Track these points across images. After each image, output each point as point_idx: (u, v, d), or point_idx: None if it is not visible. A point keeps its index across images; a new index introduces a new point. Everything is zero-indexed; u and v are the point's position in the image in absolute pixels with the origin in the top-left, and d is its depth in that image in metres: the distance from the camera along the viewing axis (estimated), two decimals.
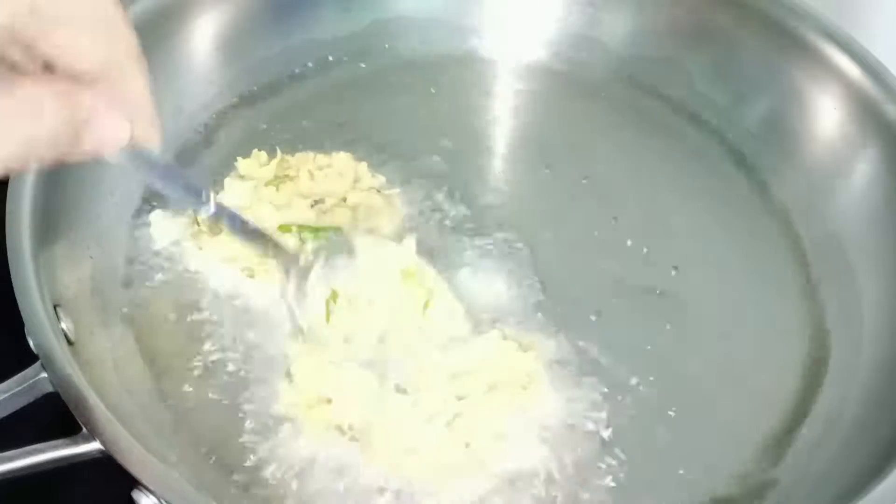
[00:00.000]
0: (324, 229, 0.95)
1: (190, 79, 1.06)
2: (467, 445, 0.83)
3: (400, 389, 0.84)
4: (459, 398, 0.84)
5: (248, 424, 0.84)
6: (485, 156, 1.07)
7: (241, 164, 1.00)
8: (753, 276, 0.99)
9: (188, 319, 0.91)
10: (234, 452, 0.83)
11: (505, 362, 0.87)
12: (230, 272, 0.93)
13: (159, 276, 0.94)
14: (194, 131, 1.05)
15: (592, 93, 1.14)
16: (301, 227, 0.95)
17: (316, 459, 0.82)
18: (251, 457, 0.83)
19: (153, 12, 1.01)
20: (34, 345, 0.76)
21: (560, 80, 1.15)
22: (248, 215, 0.94)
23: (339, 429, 0.83)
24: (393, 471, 0.82)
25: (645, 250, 1.00)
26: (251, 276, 0.93)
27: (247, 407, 0.85)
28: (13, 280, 0.79)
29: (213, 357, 0.88)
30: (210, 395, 0.86)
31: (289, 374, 0.85)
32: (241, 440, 0.84)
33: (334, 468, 0.82)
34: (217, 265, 0.93)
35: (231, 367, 0.88)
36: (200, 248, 0.94)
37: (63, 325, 0.80)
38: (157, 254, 0.95)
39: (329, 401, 0.83)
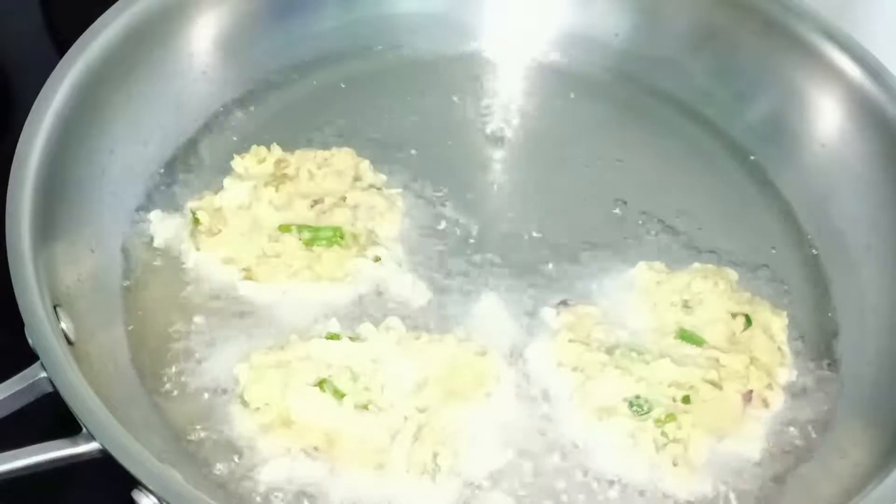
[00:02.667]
0: (323, 229, 0.95)
1: (189, 77, 1.06)
2: (435, 455, 0.83)
3: (359, 406, 0.84)
4: (421, 410, 0.84)
5: (219, 438, 0.84)
6: (485, 155, 1.07)
7: (237, 161, 1.00)
8: (758, 271, 1.00)
9: (182, 321, 0.91)
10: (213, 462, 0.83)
11: (464, 367, 0.87)
12: (228, 272, 0.93)
13: (158, 276, 0.93)
14: (194, 129, 1.05)
15: (594, 92, 1.14)
16: (301, 227, 0.95)
17: (285, 479, 0.82)
18: (223, 474, 0.83)
19: (153, 12, 1.01)
20: (34, 345, 0.76)
21: (561, 79, 1.15)
22: (247, 215, 0.95)
23: (304, 451, 0.82)
24: (363, 489, 0.82)
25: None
26: (249, 278, 0.93)
27: (216, 422, 0.85)
28: (13, 280, 0.79)
29: (202, 363, 0.88)
30: (193, 403, 0.86)
31: (243, 401, 0.85)
32: (217, 454, 0.84)
33: (303, 488, 0.82)
34: (215, 265, 0.93)
35: (216, 376, 0.88)
36: (198, 249, 0.94)
37: (63, 325, 0.80)
38: (156, 253, 0.95)
39: (290, 424, 0.83)
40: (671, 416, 0.85)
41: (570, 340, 0.90)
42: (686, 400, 0.86)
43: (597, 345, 0.90)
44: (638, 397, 0.86)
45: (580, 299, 0.95)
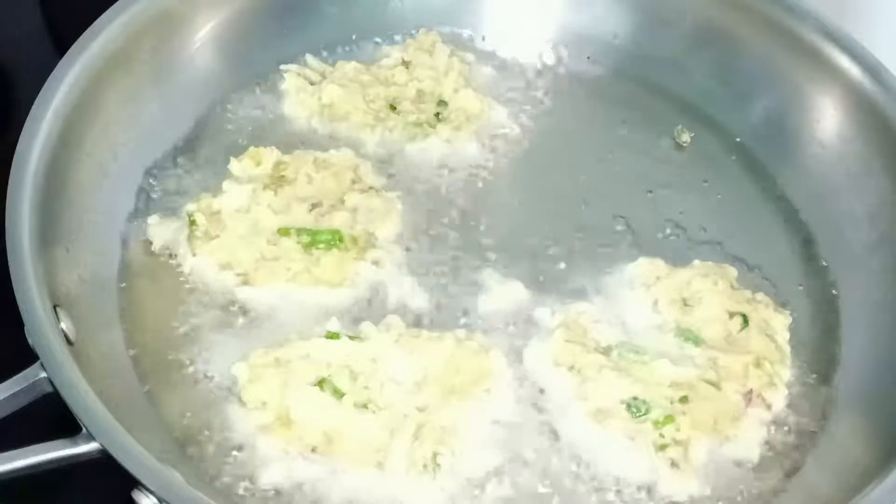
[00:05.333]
0: (321, 233, 0.95)
1: (189, 77, 1.06)
2: (435, 455, 0.82)
3: (359, 405, 0.84)
4: (420, 409, 0.84)
5: (218, 439, 0.84)
6: (485, 155, 1.07)
7: (234, 164, 0.99)
8: (758, 270, 1.00)
9: (181, 323, 0.91)
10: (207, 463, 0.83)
11: (463, 365, 0.87)
12: (226, 277, 0.92)
13: (156, 279, 0.93)
14: (194, 129, 1.05)
15: (594, 91, 1.14)
16: (299, 231, 0.95)
17: (284, 480, 0.82)
18: (222, 474, 0.83)
19: (153, 12, 1.01)
20: (34, 345, 0.76)
21: (563, 79, 1.15)
22: (245, 218, 0.95)
23: (303, 450, 0.82)
24: (362, 488, 0.81)
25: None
26: (246, 283, 0.92)
27: (214, 422, 0.85)
28: (13, 280, 0.79)
29: (200, 365, 0.88)
30: (191, 403, 0.86)
31: (241, 400, 0.85)
32: (213, 452, 0.84)
33: (302, 488, 0.82)
34: (213, 270, 0.93)
35: (215, 377, 0.88)
36: (194, 254, 0.93)
37: (63, 325, 0.80)
38: (154, 256, 0.95)
39: (289, 423, 0.83)
40: (669, 419, 0.85)
41: (567, 340, 0.90)
42: (684, 400, 0.86)
43: (594, 345, 0.90)
44: (636, 398, 0.86)
45: (578, 297, 0.95)
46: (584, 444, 0.86)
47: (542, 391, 0.89)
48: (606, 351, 0.90)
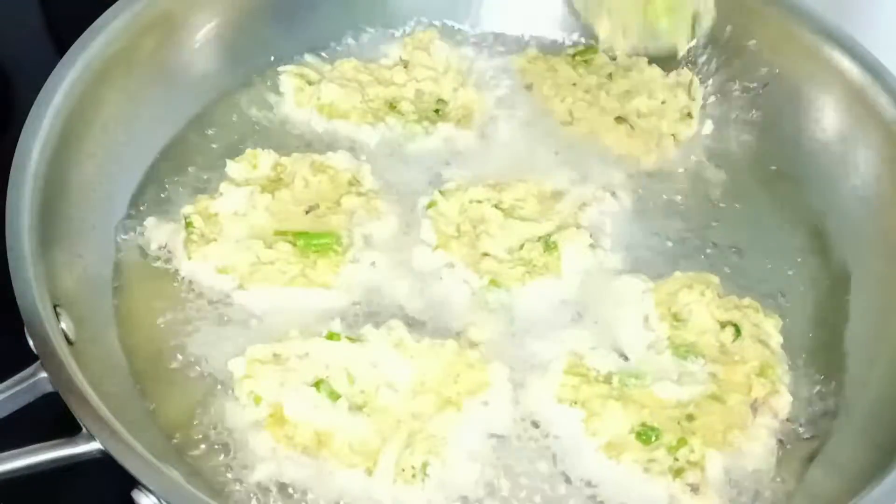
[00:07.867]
0: (318, 236, 0.94)
1: (188, 77, 1.06)
2: (424, 465, 0.81)
3: (354, 408, 0.83)
4: (415, 416, 0.83)
5: (210, 435, 0.84)
6: (485, 156, 1.07)
7: (232, 166, 0.99)
8: (759, 271, 0.99)
9: (177, 324, 0.91)
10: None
11: (462, 375, 0.86)
12: (222, 280, 0.92)
13: (153, 281, 0.93)
14: (192, 130, 1.05)
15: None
16: (296, 234, 0.94)
17: (272, 478, 0.82)
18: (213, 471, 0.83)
19: (153, 12, 1.01)
20: (34, 345, 0.77)
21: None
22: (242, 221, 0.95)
23: (294, 450, 0.82)
24: (350, 492, 0.81)
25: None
26: (242, 286, 0.92)
27: (209, 420, 0.85)
28: (13, 280, 0.79)
29: (196, 364, 0.88)
30: (188, 401, 0.86)
31: (236, 396, 0.85)
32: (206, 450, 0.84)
33: (289, 488, 0.81)
34: (209, 273, 0.93)
35: (211, 376, 0.88)
36: (189, 258, 0.93)
37: (63, 325, 0.80)
38: (151, 258, 0.95)
39: (282, 422, 0.82)
40: (682, 441, 0.83)
41: (566, 372, 0.88)
42: (691, 419, 0.85)
43: (594, 374, 0.88)
44: (644, 425, 0.84)
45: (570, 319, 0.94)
46: (597, 479, 0.84)
47: (548, 432, 0.87)
48: (607, 379, 0.88)
